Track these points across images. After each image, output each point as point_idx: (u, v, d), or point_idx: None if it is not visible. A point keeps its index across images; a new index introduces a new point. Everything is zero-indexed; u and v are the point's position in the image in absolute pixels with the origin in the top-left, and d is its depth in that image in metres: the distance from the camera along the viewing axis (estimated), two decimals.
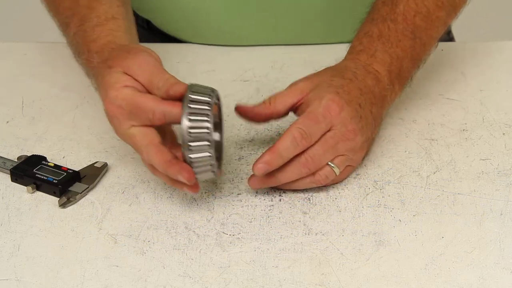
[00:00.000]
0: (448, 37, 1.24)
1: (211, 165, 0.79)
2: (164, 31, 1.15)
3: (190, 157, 0.78)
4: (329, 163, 0.84)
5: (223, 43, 1.11)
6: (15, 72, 1.09)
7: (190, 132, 0.77)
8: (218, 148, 0.85)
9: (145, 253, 0.80)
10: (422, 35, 0.92)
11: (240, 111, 0.87)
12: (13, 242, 0.82)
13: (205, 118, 0.77)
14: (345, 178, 0.88)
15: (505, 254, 0.79)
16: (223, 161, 0.88)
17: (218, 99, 0.83)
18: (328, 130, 0.83)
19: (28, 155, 0.91)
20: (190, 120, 0.77)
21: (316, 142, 0.83)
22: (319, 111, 0.83)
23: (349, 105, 0.84)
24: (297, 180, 0.84)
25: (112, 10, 0.91)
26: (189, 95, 0.78)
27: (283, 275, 0.77)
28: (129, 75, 0.81)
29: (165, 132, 0.84)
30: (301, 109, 0.85)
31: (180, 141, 0.79)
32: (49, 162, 0.90)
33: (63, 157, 0.93)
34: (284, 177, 0.84)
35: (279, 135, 0.95)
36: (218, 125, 0.86)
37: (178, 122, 0.78)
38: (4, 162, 0.90)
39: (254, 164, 0.82)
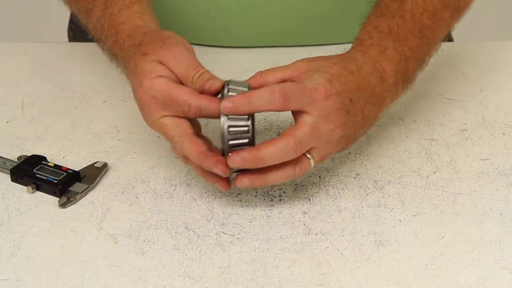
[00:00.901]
0: (447, 36, 1.24)
1: None
2: None
3: (230, 155, 0.78)
4: (307, 154, 0.81)
5: (222, 45, 1.11)
6: (15, 72, 1.09)
7: (230, 131, 0.78)
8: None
9: (145, 253, 0.80)
10: (429, 34, 0.91)
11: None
12: (13, 242, 0.82)
13: (244, 117, 0.78)
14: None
15: (505, 254, 0.79)
16: None
17: None
18: (309, 113, 0.80)
19: (28, 155, 0.91)
20: (229, 118, 0.77)
21: (301, 126, 0.79)
22: (307, 87, 0.80)
23: (337, 96, 0.81)
24: (278, 170, 0.80)
25: None
26: (228, 93, 0.78)
27: (283, 275, 0.77)
28: (164, 65, 0.81)
29: (192, 123, 0.83)
30: None
31: (219, 136, 0.79)
32: (49, 162, 0.90)
33: (63, 157, 0.93)
34: (270, 158, 0.79)
35: (279, 135, 0.95)
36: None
37: (214, 117, 0.79)
38: (4, 162, 0.90)
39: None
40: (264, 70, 0.84)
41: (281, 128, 0.96)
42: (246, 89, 0.80)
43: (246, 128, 0.78)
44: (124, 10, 0.89)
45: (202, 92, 0.80)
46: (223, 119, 0.78)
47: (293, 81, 0.82)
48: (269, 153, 0.78)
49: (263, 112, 0.90)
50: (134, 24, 0.88)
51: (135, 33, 0.86)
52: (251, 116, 0.78)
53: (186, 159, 0.82)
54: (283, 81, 0.82)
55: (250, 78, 0.84)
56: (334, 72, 0.82)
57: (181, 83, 0.81)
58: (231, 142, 0.78)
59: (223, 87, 0.80)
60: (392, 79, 0.86)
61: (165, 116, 0.81)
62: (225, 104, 0.77)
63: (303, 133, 0.79)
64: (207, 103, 0.79)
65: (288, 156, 0.79)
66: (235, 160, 0.78)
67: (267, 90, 0.78)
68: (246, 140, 0.78)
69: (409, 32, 0.89)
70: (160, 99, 0.80)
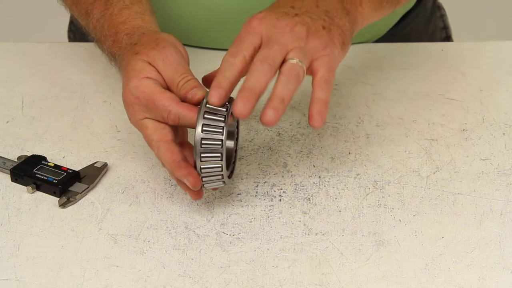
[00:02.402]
0: (446, 36, 1.24)
1: (220, 175, 0.80)
2: None
3: (201, 167, 0.79)
4: (287, 59, 0.78)
5: (217, 47, 1.11)
6: (15, 72, 1.09)
7: (202, 144, 0.78)
8: (229, 155, 0.85)
9: (145, 253, 0.80)
10: None
11: (207, 80, 0.85)
12: (13, 242, 0.82)
13: (219, 130, 0.78)
14: (338, 44, 0.81)
15: (505, 254, 0.79)
16: (236, 165, 0.87)
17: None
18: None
19: (28, 155, 0.91)
20: (203, 131, 0.78)
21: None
22: (241, 34, 0.79)
23: (270, 12, 0.80)
24: (279, 85, 0.77)
25: None
26: (207, 105, 0.78)
27: (283, 275, 0.78)
28: (153, 66, 0.82)
29: (177, 128, 0.84)
30: None
31: (192, 143, 0.79)
32: (49, 162, 0.90)
33: (63, 157, 0.93)
34: (254, 82, 0.76)
35: (279, 135, 0.95)
36: (232, 133, 0.86)
37: (192, 126, 0.79)
38: (4, 162, 0.90)
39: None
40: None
41: (281, 128, 0.96)
42: (224, 105, 0.79)
43: (219, 143, 0.78)
44: (125, 10, 0.89)
45: (185, 99, 0.81)
46: (198, 129, 0.78)
47: None
48: (252, 79, 0.76)
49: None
50: (134, 24, 0.88)
51: (134, 32, 0.87)
52: (224, 131, 0.78)
53: (162, 163, 0.83)
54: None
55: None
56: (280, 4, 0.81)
57: (167, 86, 0.82)
58: (203, 155, 0.78)
59: (204, 97, 0.80)
60: None
61: (146, 118, 0.81)
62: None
63: (262, 51, 0.77)
64: (186, 112, 0.80)
65: (265, 69, 0.76)
66: (245, 109, 0.74)
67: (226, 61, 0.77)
68: (218, 154, 0.78)
69: None
70: (142, 101, 0.81)
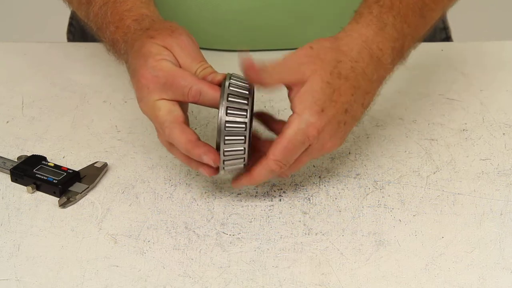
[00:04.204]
0: (446, 36, 1.24)
1: (243, 158, 0.80)
2: None
3: (225, 150, 0.79)
4: None
5: (217, 48, 1.11)
6: (15, 72, 1.09)
7: (226, 127, 0.78)
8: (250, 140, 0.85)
9: (145, 253, 0.80)
10: (427, 14, 0.90)
11: (245, 63, 0.82)
12: (13, 242, 0.82)
13: (243, 113, 0.78)
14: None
15: (505, 254, 0.79)
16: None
17: (253, 92, 0.83)
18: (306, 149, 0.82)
19: (28, 155, 0.91)
20: (228, 114, 0.78)
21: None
22: (297, 138, 0.80)
23: (330, 124, 0.81)
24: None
25: None
26: (229, 87, 0.79)
27: (283, 275, 0.77)
28: (170, 51, 0.82)
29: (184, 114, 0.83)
30: (293, 93, 0.82)
31: (216, 130, 0.79)
32: (49, 162, 0.90)
33: (63, 157, 0.93)
34: (259, 178, 0.83)
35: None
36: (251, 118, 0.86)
37: (211, 105, 0.79)
38: (4, 162, 0.90)
39: (233, 180, 0.84)
40: (270, 65, 0.82)
41: None
42: (247, 85, 0.80)
43: (243, 126, 0.78)
44: None
45: None
46: (221, 112, 0.78)
47: (293, 89, 0.82)
48: (260, 174, 0.82)
49: (262, 107, 0.90)
50: (141, 12, 0.88)
51: (143, 19, 0.87)
52: (248, 113, 0.78)
53: (170, 145, 0.83)
54: (286, 85, 0.82)
55: (262, 68, 0.81)
56: (330, 87, 0.82)
57: None
58: (227, 138, 0.78)
59: (225, 79, 0.80)
60: (389, 58, 0.86)
61: (162, 99, 0.81)
62: (235, 184, 0.84)
63: (289, 154, 0.82)
64: (207, 89, 0.80)
65: (275, 173, 0.82)
66: (236, 185, 0.84)
67: (265, 168, 0.81)
68: (242, 137, 0.79)
69: (410, 9, 0.88)
70: (161, 78, 0.80)
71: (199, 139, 0.81)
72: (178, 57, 0.82)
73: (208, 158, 0.79)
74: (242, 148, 0.79)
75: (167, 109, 0.81)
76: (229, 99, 0.78)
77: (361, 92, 0.84)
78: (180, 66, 0.82)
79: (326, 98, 0.82)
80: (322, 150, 0.83)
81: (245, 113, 0.78)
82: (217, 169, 0.82)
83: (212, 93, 0.80)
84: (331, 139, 0.83)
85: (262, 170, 0.81)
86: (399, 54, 0.88)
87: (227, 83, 0.79)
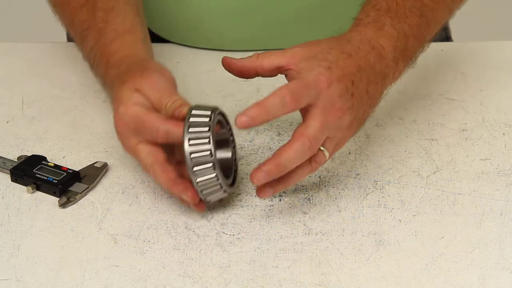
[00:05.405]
0: (446, 36, 1.24)
1: (219, 185, 0.80)
2: (162, 37, 1.15)
3: (196, 181, 0.79)
4: (320, 146, 0.81)
5: (216, 48, 1.11)
6: (15, 72, 1.09)
7: (192, 157, 0.78)
8: (228, 164, 0.85)
9: (145, 253, 0.80)
10: (429, 14, 0.90)
11: (226, 63, 0.86)
12: (13, 242, 0.82)
13: (205, 141, 0.78)
14: (329, 159, 0.84)
15: (505, 254, 0.79)
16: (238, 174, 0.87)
17: (224, 115, 0.83)
18: (315, 106, 0.80)
19: (28, 155, 0.91)
20: (190, 145, 0.78)
21: (311, 123, 0.80)
22: (310, 78, 0.80)
23: (339, 82, 0.81)
24: (296, 170, 0.81)
25: (128, 21, 0.93)
26: (190, 119, 0.79)
27: (283, 275, 0.77)
28: (140, 92, 0.83)
29: (174, 148, 0.85)
30: (291, 75, 0.83)
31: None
32: (49, 162, 0.90)
33: (63, 157, 0.93)
34: (290, 162, 0.79)
35: (279, 135, 0.95)
36: (226, 142, 0.86)
37: (180, 142, 0.79)
38: (4, 162, 0.90)
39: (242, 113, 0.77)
40: (261, 53, 0.84)
41: (281, 128, 0.96)
42: (209, 112, 0.80)
43: (207, 153, 0.78)
44: (116, 41, 0.91)
45: (173, 118, 0.82)
46: (185, 144, 0.78)
47: (289, 68, 0.83)
48: (289, 158, 0.79)
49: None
50: (123, 54, 0.90)
51: (121, 64, 0.88)
52: (211, 140, 0.78)
53: (160, 185, 0.85)
54: (279, 67, 0.83)
55: (247, 57, 0.84)
56: (331, 58, 0.82)
57: (156, 109, 0.83)
58: (195, 169, 0.78)
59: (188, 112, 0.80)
60: (391, 54, 0.86)
61: (139, 143, 0.83)
62: (242, 119, 0.76)
63: (315, 129, 0.79)
64: (173, 128, 0.81)
65: (306, 156, 0.80)
66: (260, 177, 0.78)
67: (277, 95, 0.78)
68: (209, 165, 0.78)
69: (408, 10, 0.89)
70: (131, 124, 0.82)
71: (181, 176, 0.81)
72: (149, 96, 0.83)
73: (186, 196, 0.80)
74: (214, 174, 0.79)
75: (146, 152, 0.82)
76: (189, 130, 0.78)
77: (365, 74, 0.84)
78: (152, 104, 0.83)
79: (332, 59, 0.82)
80: (333, 110, 0.80)
81: (206, 140, 0.78)
82: (202, 205, 0.82)
83: (177, 131, 0.80)
84: (340, 98, 0.81)
85: (274, 96, 0.78)
86: (402, 54, 0.88)
87: (187, 115, 0.79)
